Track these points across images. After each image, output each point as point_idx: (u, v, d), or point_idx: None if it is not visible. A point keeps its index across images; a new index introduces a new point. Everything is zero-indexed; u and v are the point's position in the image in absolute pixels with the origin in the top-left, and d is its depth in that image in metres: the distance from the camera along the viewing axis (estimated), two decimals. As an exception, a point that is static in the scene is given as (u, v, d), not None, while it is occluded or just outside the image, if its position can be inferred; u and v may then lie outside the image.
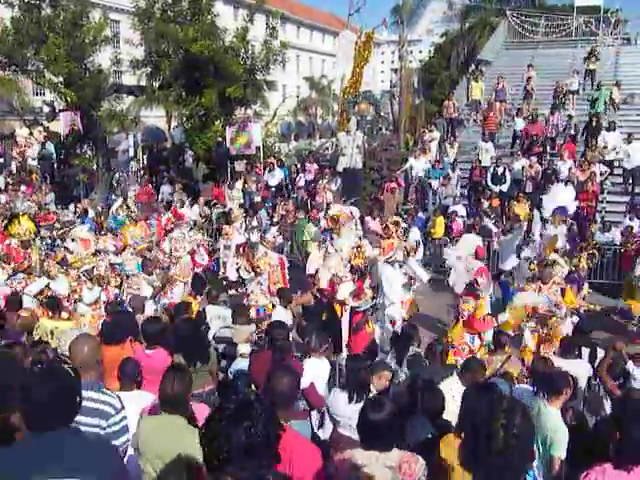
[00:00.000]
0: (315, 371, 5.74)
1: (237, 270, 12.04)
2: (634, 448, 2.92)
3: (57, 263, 9.70)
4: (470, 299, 8.46)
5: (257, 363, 5.57)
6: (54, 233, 12.53)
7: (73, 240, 10.56)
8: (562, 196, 11.28)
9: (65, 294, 8.92)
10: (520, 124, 19.04)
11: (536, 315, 8.60)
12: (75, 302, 9.02)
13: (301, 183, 18.04)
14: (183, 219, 13.16)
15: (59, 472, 2.57)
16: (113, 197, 17.84)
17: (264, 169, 19.10)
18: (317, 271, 9.87)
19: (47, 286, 9.04)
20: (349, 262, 9.56)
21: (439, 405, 4.65)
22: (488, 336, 8.36)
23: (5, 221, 10.93)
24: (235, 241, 12.65)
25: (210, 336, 7.21)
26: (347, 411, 4.70)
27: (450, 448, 3.65)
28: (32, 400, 2.67)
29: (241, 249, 12.27)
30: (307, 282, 9.72)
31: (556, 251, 9.93)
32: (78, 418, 3.39)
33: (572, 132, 18.25)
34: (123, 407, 3.78)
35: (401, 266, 9.64)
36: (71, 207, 15.53)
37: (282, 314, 8.02)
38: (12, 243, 10.00)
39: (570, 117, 18.53)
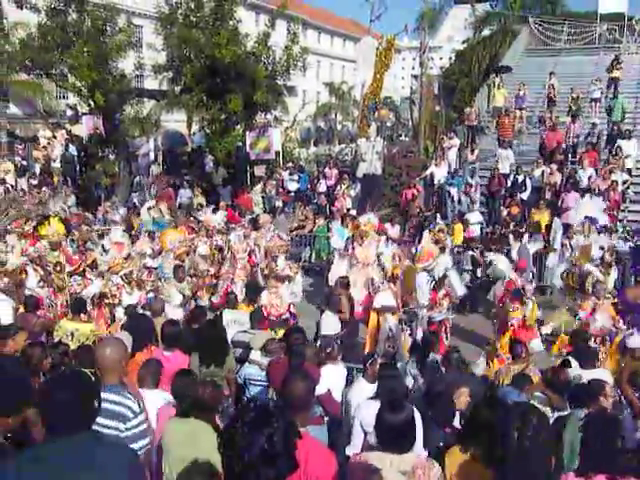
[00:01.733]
0: (332, 378, 5.75)
1: (264, 276, 12.11)
2: (592, 457, 3.00)
3: (87, 266, 9.81)
4: (517, 305, 8.50)
5: (275, 370, 5.57)
6: (90, 235, 12.66)
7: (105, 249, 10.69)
8: (589, 208, 11.17)
9: (96, 294, 9.02)
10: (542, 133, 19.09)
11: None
12: (114, 307, 9.06)
13: (322, 189, 18.06)
14: (239, 222, 13.28)
15: (78, 474, 2.58)
16: (134, 201, 18.03)
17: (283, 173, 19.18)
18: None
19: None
20: (391, 272, 9.55)
21: (449, 413, 4.63)
22: (536, 346, 8.35)
23: (33, 222, 11.04)
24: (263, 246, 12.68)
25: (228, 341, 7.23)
26: None
27: (454, 461, 3.59)
28: (51, 403, 2.69)
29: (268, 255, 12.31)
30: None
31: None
32: (104, 421, 3.44)
33: (594, 140, 18.07)
34: (142, 411, 3.77)
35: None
36: (121, 210, 15.59)
37: (332, 320, 8.05)
38: (67, 246, 10.20)
39: (594, 125, 18.33)
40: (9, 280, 8.82)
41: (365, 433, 4.96)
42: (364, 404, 5.13)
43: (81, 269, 9.75)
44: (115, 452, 2.78)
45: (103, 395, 3.56)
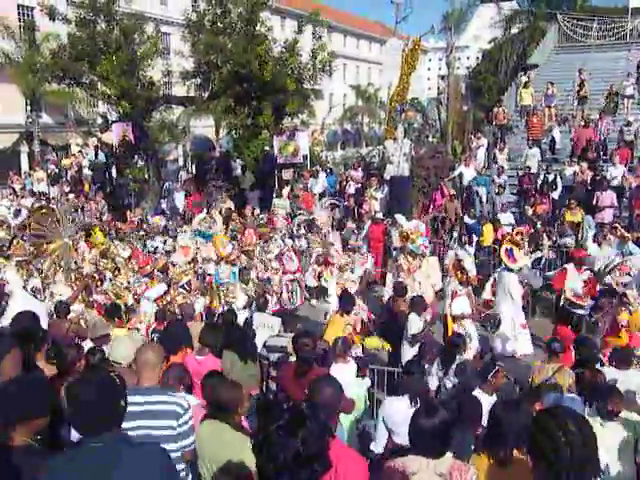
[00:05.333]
0: (342, 376, 5.75)
1: (318, 278, 12.13)
2: None
3: (159, 271, 9.97)
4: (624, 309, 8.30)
5: (285, 374, 5.53)
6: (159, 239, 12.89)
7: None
8: None
9: (156, 298, 9.14)
10: (557, 132, 18.84)
11: None
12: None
13: (351, 191, 18.06)
14: (275, 226, 13.38)
15: (107, 476, 2.61)
16: (163, 206, 18.24)
17: (310, 177, 19.23)
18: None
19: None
20: (456, 279, 9.33)
21: (478, 415, 4.58)
22: None
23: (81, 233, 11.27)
24: (316, 250, 12.64)
25: (258, 344, 7.27)
26: (407, 419, 4.67)
27: (479, 467, 3.54)
28: (76, 403, 2.73)
29: (321, 258, 12.30)
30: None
31: None
32: (152, 422, 3.53)
33: (630, 137, 17.71)
34: (189, 406, 3.88)
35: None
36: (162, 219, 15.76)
37: (416, 322, 8.10)
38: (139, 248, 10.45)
39: (629, 123, 18.01)
40: (80, 284, 8.96)
41: (390, 431, 4.95)
42: (388, 402, 5.11)
43: (150, 270, 9.92)
44: (146, 453, 2.80)
45: (149, 398, 3.68)
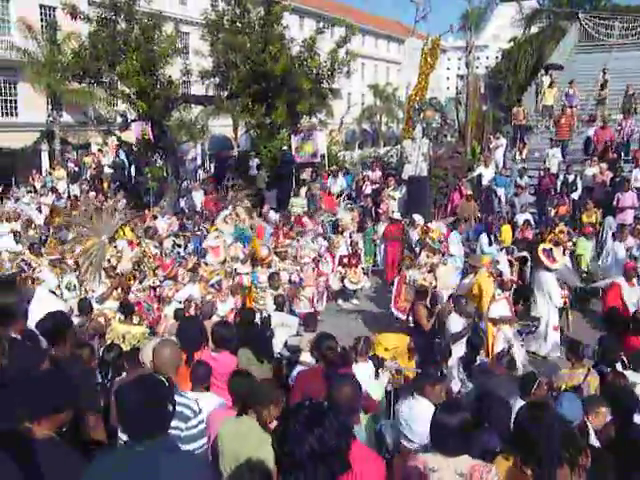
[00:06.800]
0: (364, 375, 5.78)
1: (342, 280, 12.09)
2: None
3: (188, 271, 10.02)
4: None
5: (305, 379, 5.48)
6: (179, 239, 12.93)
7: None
8: None
9: (198, 301, 9.15)
10: (592, 131, 18.57)
11: None
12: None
13: (368, 191, 18.02)
14: (305, 227, 13.31)
15: None
16: (182, 205, 18.32)
17: (328, 176, 19.21)
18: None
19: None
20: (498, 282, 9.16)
21: (507, 419, 4.50)
22: None
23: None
24: (340, 251, 12.56)
25: (277, 343, 7.30)
26: (419, 420, 4.64)
27: (500, 470, 3.49)
28: (125, 405, 2.77)
29: (345, 259, 12.22)
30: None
31: None
32: None
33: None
34: (201, 411, 3.85)
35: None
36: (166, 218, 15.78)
37: (457, 321, 8.10)
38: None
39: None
40: (118, 283, 9.02)
41: (401, 434, 4.91)
42: (405, 402, 5.07)
43: (173, 274, 9.97)
44: (186, 460, 2.84)
45: None
